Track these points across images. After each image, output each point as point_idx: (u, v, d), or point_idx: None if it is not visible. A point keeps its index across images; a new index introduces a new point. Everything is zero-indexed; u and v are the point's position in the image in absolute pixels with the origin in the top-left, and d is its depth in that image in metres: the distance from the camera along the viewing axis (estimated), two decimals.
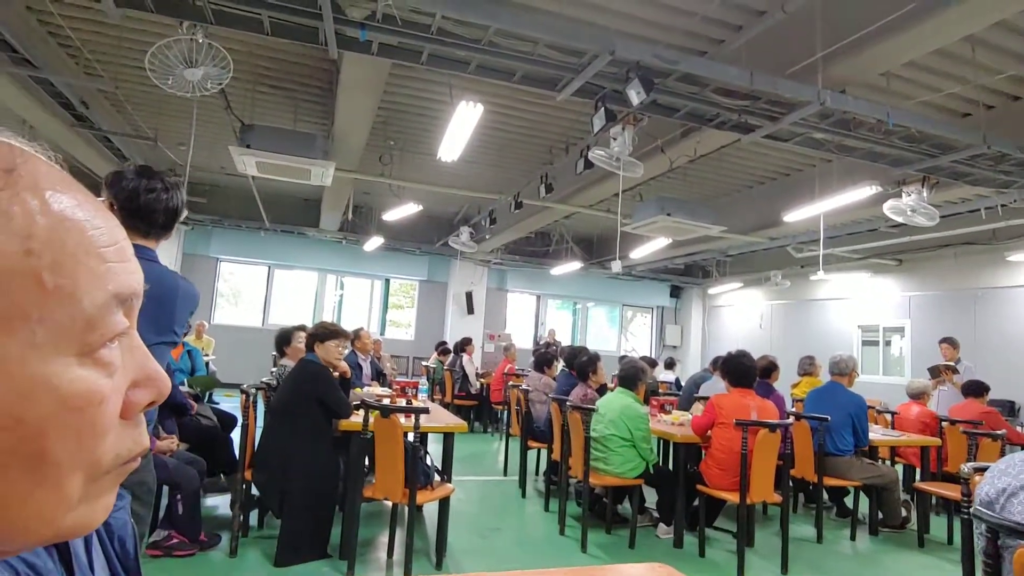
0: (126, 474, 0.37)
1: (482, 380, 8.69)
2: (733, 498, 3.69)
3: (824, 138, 5.10)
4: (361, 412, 3.31)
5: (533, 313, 14.04)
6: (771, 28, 4.26)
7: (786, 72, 4.24)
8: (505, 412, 7.69)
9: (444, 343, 9.71)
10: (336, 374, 3.55)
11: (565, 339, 13.16)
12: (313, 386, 3.31)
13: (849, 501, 4.69)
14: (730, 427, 3.74)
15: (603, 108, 4.19)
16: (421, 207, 8.36)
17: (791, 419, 4.33)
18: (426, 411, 3.24)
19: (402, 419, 3.19)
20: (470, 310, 12.24)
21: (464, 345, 8.47)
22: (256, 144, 5.72)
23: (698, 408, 5.03)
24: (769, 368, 4.99)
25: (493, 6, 3.42)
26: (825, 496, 4.55)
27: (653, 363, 8.25)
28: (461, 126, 4.91)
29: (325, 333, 3.37)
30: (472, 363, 8.64)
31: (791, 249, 9.62)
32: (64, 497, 0.32)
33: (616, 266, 6.35)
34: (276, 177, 6.34)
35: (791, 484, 4.28)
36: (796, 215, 6.94)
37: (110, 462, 0.34)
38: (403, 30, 3.57)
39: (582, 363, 4.57)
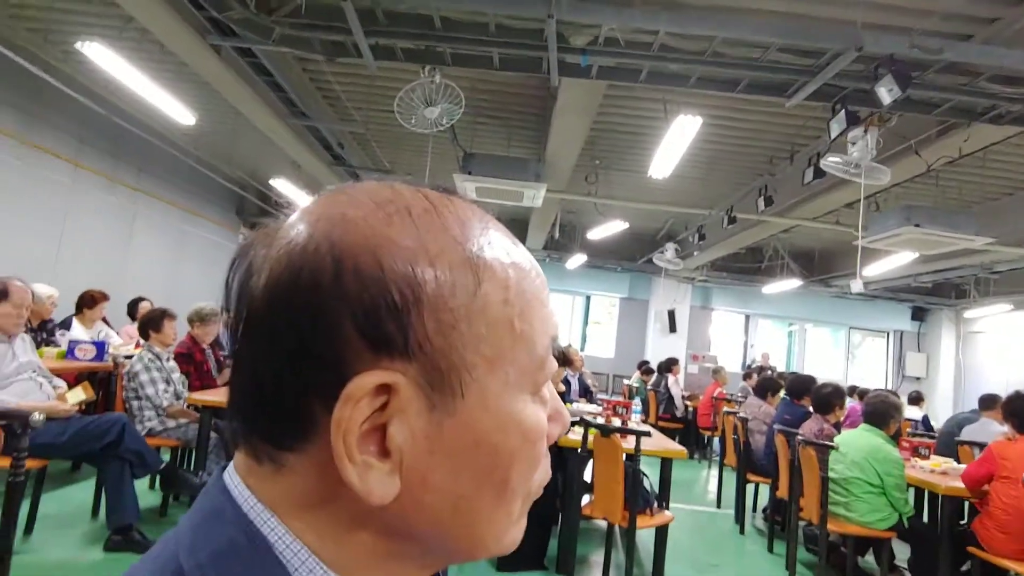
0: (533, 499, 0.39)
1: (688, 403, 8.32)
2: (1021, 569, 3.02)
3: None
4: (579, 429, 3.35)
5: (741, 334, 13.12)
6: None
7: None
8: (716, 439, 7.27)
9: (647, 362, 9.49)
10: None
11: (779, 363, 12.06)
12: None
13: None
14: (1018, 483, 3.08)
15: (843, 110, 3.78)
16: (627, 224, 8.31)
17: None
18: (648, 434, 3.17)
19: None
20: (672, 329, 11.84)
21: (670, 365, 8.20)
22: (476, 170, 6.18)
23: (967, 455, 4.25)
24: None
25: (720, 15, 3.29)
26: None
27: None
28: (676, 141, 4.79)
29: (564, 358, 3.50)
30: (678, 384, 8.32)
31: None
32: (511, 520, 0.36)
33: (856, 285, 5.65)
34: (492, 200, 6.79)
35: None
36: None
37: (536, 490, 0.37)
38: (625, 51, 3.59)
39: (826, 394, 4.11)
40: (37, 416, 1.78)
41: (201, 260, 10.02)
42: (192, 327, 4.21)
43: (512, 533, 0.36)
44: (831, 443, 3.60)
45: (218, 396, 3.58)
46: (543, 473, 0.38)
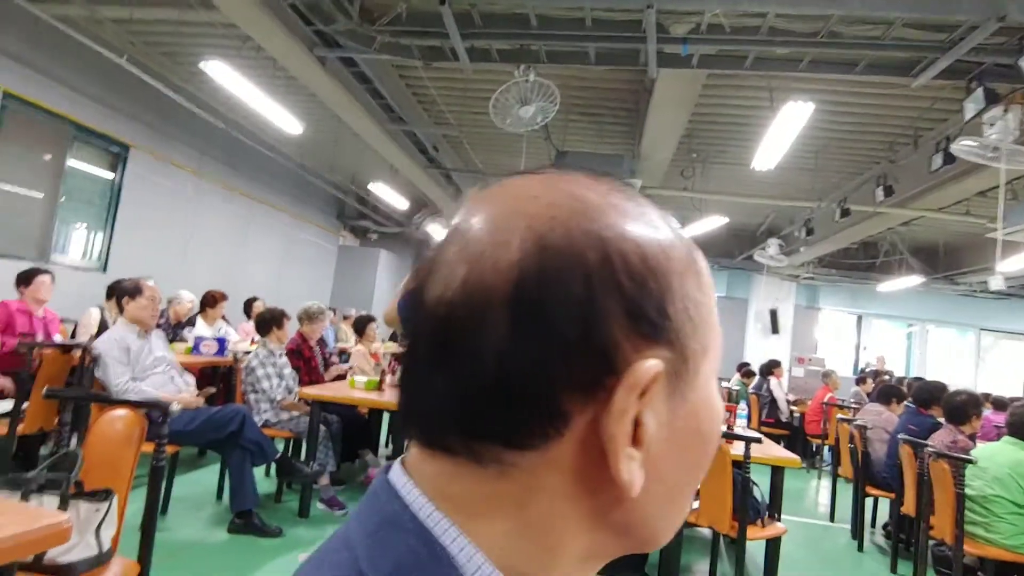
0: None
1: (794, 408, 7.85)
2: None
3: None
4: None
5: (852, 335, 12.23)
6: None
7: None
8: (826, 447, 6.82)
9: (747, 364, 9.05)
10: None
11: (896, 367, 11.13)
12: None
13: None
14: None
15: (981, 88, 3.40)
16: (726, 220, 7.96)
17: None
18: (759, 440, 3.00)
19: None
20: (775, 329, 11.22)
21: (772, 368, 7.77)
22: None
23: None
24: None
25: None
26: None
27: None
28: (784, 130, 4.51)
29: None
30: (781, 387, 7.87)
31: None
32: (686, 512, 0.36)
33: (996, 282, 5.11)
34: None
35: None
36: None
37: None
38: (729, 37, 3.42)
39: (960, 403, 3.72)
40: (176, 406, 1.93)
41: (305, 262, 10.64)
42: (301, 325, 4.45)
43: (675, 529, 0.36)
44: (968, 456, 3.25)
45: (326, 391, 3.76)
46: None
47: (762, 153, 5.12)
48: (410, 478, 0.32)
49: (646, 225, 0.32)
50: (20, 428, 3.04)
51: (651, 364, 0.29)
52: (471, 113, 6.61)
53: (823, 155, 6.64)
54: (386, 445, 5.30)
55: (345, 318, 7.94)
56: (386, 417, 4.86)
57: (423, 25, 4.03)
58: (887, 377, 7.84)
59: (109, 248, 6.45)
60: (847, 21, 3.27)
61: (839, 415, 5.71)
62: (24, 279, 3.86)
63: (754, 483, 3.10)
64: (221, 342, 4.62)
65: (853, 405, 7.04)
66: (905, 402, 4.88)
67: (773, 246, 8.37)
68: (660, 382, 0.30)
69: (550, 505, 0.31)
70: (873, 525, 4.76)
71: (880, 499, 4.56)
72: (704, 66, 3.84)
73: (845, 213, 6.64)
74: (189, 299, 5.10)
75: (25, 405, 3.05)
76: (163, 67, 6.08)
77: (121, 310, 3.34)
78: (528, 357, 0.29)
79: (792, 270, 10.88)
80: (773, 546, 3.09)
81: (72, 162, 5.95)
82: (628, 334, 0.30)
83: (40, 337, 3.80)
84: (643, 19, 3.31)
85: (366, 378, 4.01)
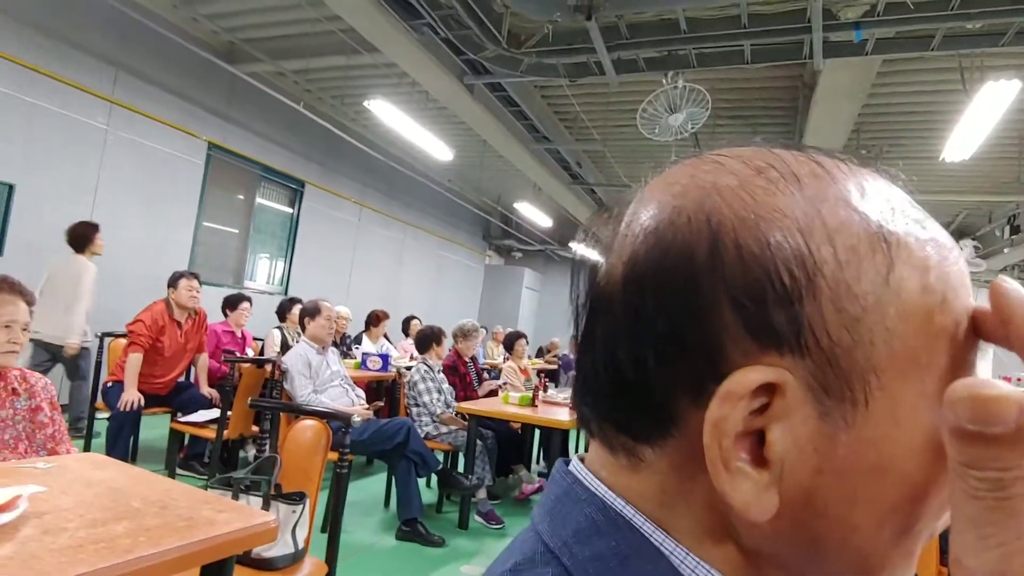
0: None
1: None
2: None
3: None
4: None
5: None
6: None
7: None
8: None
9: None
10: None
11: None
12: None
13: None
14: None
15: None
16: None
17: None
18: None
19: None
20: None
21: None
22: None
23: None
24: None
25: None
26: None
27: None
28: (982, 114, 3.91)
29: None
30: None
31: None
32: (908, 566, 0.29)
33: None
34: None
35: None
36: None
37: (940, 528, 0.29)
38: (912, 15, 3.04)
39: None
40: (357, 418, 2.07)
41: (454, 281, 11.15)
42: (456, 342, 4.63)
43: None
44: None
45: (482, 406, 3.86)
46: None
47: (954, 143, 4.49)
48: (588, 464, 0.33)
49: (792, 209, 0.26)
50: (225, 433, 3.46)
51: (758, 374, 0.25)
52: (614, 126, 6.55)
53: None
54: (537, 461, 5.32)
55: (494, 335, 8.19)
56: (538, 433, 4.88)
57: (568, 43, 4.06)
58: None
59: (289, 273, 7.23)
60: None
61: None
62: (231, 304, 4.44)
63: None
64: (385, 358, 4.94)
65: None
66: None
67: (967, 248, 7.30)
68: (793, 397, 0.25)
69: (684, 512, 0.28)
70: None
71: None
72: (880, 51, 3.45)
73: None
74: (342, 313, 5.54)
75: (228, 413, 3.47)
76: (332, 109, 6.73)
77: (303, 329, 3.69)
78: (630, 350, 0.28)
79: (990, 275, 9.40)
80: None
81: (260, 200, 6.76)
82: (737, 336, 0.26)
83: (238, 353, 4.32)
84: (807, 7, 3.06)
85: (519, 394, 4.05)
